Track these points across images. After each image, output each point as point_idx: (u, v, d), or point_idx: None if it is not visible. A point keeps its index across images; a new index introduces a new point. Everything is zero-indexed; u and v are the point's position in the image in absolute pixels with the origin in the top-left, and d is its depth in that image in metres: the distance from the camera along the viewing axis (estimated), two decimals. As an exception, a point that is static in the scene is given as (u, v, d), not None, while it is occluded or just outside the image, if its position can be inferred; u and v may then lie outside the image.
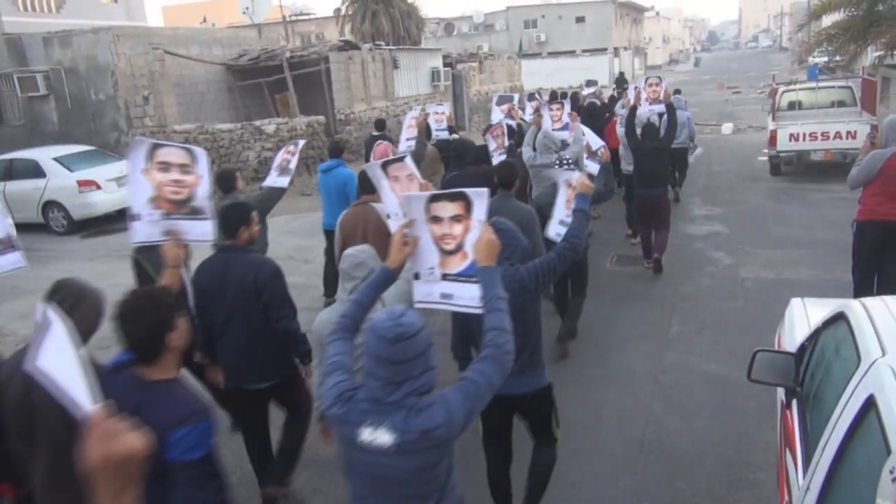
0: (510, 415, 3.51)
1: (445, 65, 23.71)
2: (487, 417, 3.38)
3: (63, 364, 1.54)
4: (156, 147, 3.26)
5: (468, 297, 2.51)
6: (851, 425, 2.15)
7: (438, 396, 2.06)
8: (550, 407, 3.54)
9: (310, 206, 11.62)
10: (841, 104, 13.26)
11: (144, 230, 3.28)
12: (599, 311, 6.52)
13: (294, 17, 33.87)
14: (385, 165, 3.44)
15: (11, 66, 14.95)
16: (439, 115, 8.82)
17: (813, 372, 2.99)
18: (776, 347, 3.92)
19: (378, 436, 2.01)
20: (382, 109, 18.88)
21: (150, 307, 2.23)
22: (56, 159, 12.05)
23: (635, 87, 8.08)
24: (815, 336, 3.15)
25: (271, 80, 17.53)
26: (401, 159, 3.56)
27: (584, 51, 47.12)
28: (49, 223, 11.91)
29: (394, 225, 3.25)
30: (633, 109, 7.82)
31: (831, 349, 2.84)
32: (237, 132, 14.06)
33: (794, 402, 3.02)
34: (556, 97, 9.57)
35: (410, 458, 2.03)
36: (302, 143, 5.81)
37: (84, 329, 2.65)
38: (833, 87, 14.10)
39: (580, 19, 48.83)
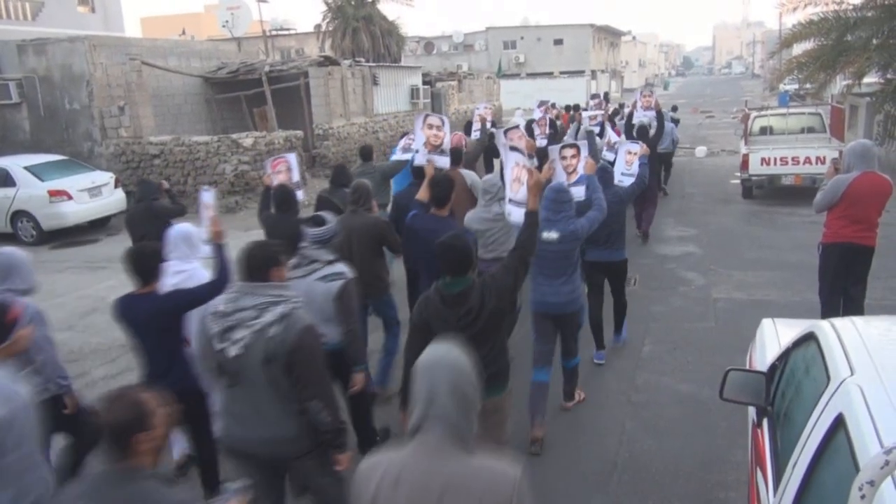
0: (604, 275, 5.97)
1: (425, 83, 23.84)
2: (591, 276, 5.91)
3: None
4: (427, 116, 6.23)
5: (579, 192, 5.05)
6: (821, 444, 2.17)
7: (578, 219, 4.63)
8: (625, 273, 6.11)
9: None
10: (811, 130, 13.56)
11: (419, 159, 6.11)
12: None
13: (274, 32, 33.89)
14: (506, 132, 6.46)
15: (-17, 73, 14.71)
16: (487, 110, 10.79)
17: (783, 391, 3.02)
18: (748, 367, 3.95)
19: (552, 234, 4.53)
20: (361, 125, 18.90)
21: (449, 179, 4.95)
22: (27, 168, 11.85)
23: (634, 100, 10.92)
24: (785, 356, 3.19)
25: (250, 93, 17.45)
26: (516, 127, 7.02)
27: (562, 72, 47.73)
28: (18, 233, 11.68)
29: (507, 174, 5.31)
30: (630, 115, 10.33)
31: (801, 369, 2.88)
32: (214, 145, 13.93)
33: (765, 421, 3.04)
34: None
35: (564, 245, 4.58)
36: (418, 137, 7.02)
37: (370, 206, 5.17)
38: (803, 113, 14.43)
39: (558, 42, 49.52)
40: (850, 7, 11.31)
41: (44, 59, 14.33)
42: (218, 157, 13.85)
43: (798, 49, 13.44)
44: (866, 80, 11.88)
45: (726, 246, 9.65)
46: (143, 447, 2.03)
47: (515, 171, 4.56)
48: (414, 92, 22.52)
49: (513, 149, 4.70)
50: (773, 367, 3.26)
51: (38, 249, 11.17)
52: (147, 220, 6.30)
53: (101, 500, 1.98)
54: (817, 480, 2.15)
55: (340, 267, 3.97)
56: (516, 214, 4.39)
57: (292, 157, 6.40)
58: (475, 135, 9.73)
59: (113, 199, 12.58)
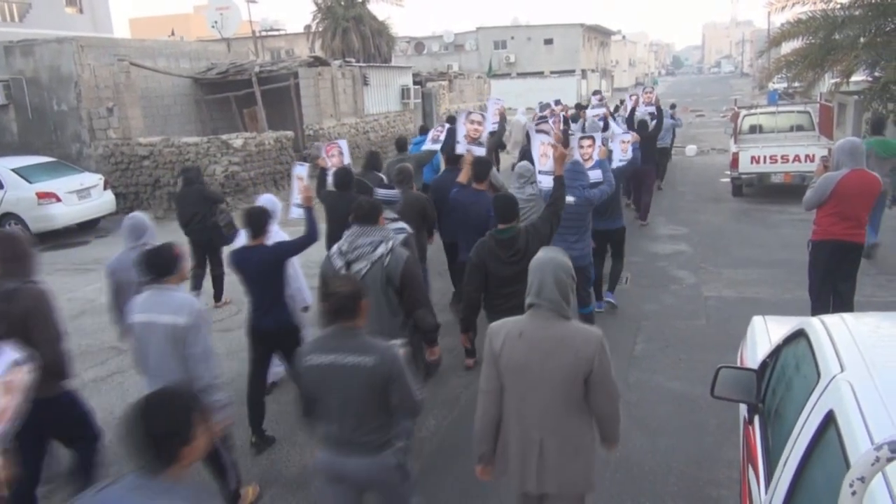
0: (607, 241, 7.14)
1: (415, 83, 23.81)
2: (595, 243, 6.53)
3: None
4: (469, 113, 7.21)
5: (595, 175, 6.04)
6: (812, 440, 2.17)
7: (591, 189, 5.86)
8: (624, 239, 7.28)
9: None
10: (800, 128, 13.63)
11: (460, 148, 6.95)
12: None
13: (264, 33, 33.75)
14: (538, 124, 8.11)
15: (-30, 74, 14.58)
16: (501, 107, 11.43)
17: (774, 388, 3.02)
18: (739, 364, 3.96)
19: (569, 198, 5.17)
20: (352, 126, 18.85)
21: (489, 159, 6.64)
22: (15, 170, 11.76)
23: (633, 95, 12.42)
24: (776, 353, 3.20)
25: (240, 94, 17.38)
26: (545, 120, 8.98)
27: (552, 72, 47.81)
28: (5, 236, 11.58)
29: (535, 152, 6.18)
30: (633, 110, 11.41)
31: (792, 366, 2.88)
32: (203, 146, 13.86)
33: (756, 419, 3.05)
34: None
35: (580, 209, 5.71)
36: (448, 126, 7.84)
37: (412, 185, 6.37)
38: (792, 111, 14.50)
39: (549, 41, 49.61)
40: (838, 6, 11.36)
41: (31, 60, 14.22)
42: (208, 158, 13.78)
43: (787, 48, 13.48)
44: (854, 78, 11.95)
45: (717, 244, 9.68)
46: (363, 311, 2.91)
47: (542, 149, 5.80)
48: (404, 92, 22.49)
49: (538, 131, 5.81)
50: (763, 365, 3.27)
51: (27, 252, 11.09)
52: (198, 202, 7.48)
53: (336, 349, 2.83)
54: (808, 477, 2.15)
55: (402, 223, 4.84)
56: (546, 181, 5.54)
57: (343, 143, 7.21)
58: (492, 127, 9.98)
59: (102, 202, 12.50)
